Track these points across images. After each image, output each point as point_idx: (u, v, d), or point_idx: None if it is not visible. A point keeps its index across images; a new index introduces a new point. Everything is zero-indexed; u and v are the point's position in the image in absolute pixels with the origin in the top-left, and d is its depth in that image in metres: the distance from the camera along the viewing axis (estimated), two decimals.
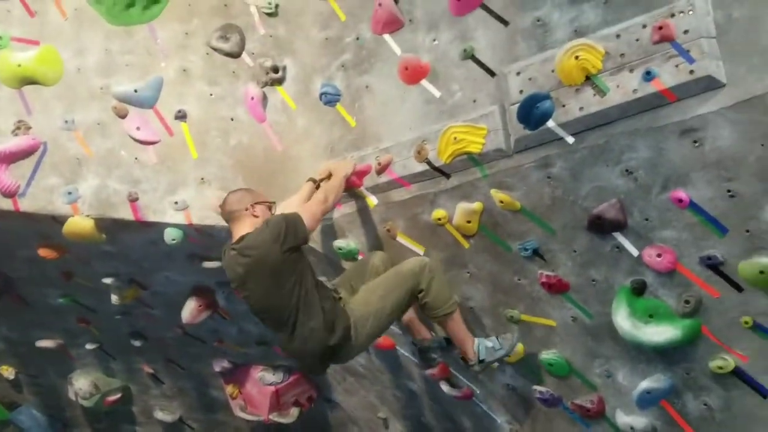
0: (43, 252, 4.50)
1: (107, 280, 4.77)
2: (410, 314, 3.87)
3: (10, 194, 4.07)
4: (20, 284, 5.07)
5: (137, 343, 5.62)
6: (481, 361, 3.52)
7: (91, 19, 4.14)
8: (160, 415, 6.42)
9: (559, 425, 3.80)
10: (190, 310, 4.91)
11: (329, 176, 3.72)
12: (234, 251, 3.24)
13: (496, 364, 3.87)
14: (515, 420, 4.06)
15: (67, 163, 4.13)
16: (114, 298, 4.90)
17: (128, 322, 5.43)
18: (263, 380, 5.83)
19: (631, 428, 3.43)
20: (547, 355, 3.63)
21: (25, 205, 4.10)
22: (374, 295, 3.42)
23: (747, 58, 2.71)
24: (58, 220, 4.13)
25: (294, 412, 6.02)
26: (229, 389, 6.02)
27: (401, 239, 3.84)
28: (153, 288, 4.97)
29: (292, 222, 3.20)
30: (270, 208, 3.44)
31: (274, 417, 5.92)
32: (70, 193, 4.08)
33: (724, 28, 2.77)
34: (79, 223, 4.10)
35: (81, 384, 6.00)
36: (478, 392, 4.17)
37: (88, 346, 5.72)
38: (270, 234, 3.14)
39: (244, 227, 3.31)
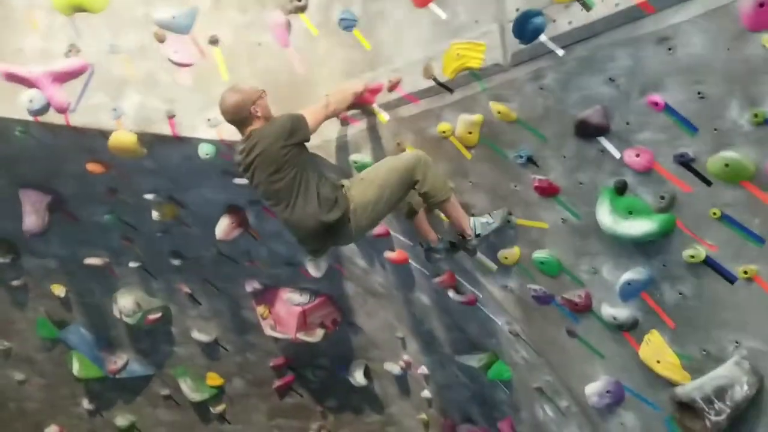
0: (90, 167, 5.00)
1: (148, 196, 5.25)
2: (420, 218, 4.27)
3: (62, 110, 4.55)
4: (71, 201, 5.60)
5: (176, 262, 6.13)
6: (477, 235, 3.94)
7: None
8: (197, 335, 6.95)
9: (551, 321, 4.17)
10: (223, 227, 5.38)
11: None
12: (243, 146, 3.79)
13: (494, 267, 4.28)
14: (513, 320, 4.45)
15: (112, 83, 4.60)
16: (155, 215, 5.39)
17: (168, 241, 5.93)
18: (291, 301, 6.29)
19: (614, 318, 3.78)
20: (539, 254, 3.99)
21: (75, 120, 4.60)
22: (372, 185, 3.83)
23: None
24: (104, 135, 4.61)
25: (319, 332, 6.47)
26: (260, 310, 6.52)
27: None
28: (190, 206, 5.45)
29: (296, 121, 3.73)
30: (262, 97, 3.86)
31: (301, 336, 6.39)
32: (114, 109, 4.56)
33: None
34: (123, 136, 4.58)
35: (124, 302, 6.55)
36: (480, 296, 4.56)
37: (131, 265, 6.25)
38: (276, 130, 3.68)
39: (250, 126, 3.79)
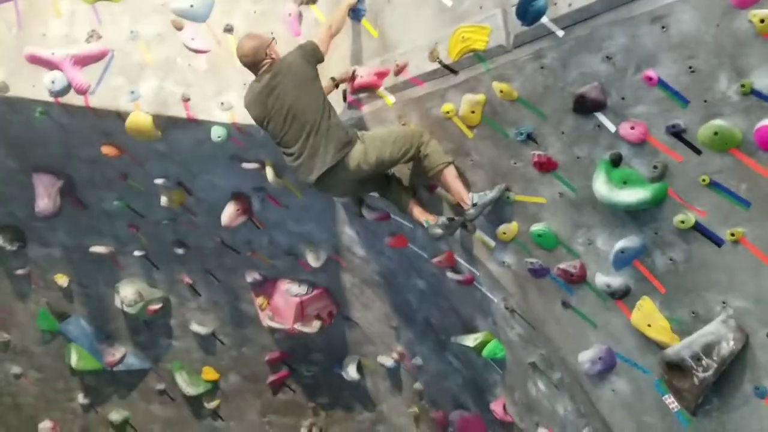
0: (105, 149, 5.18)
1: (159, 181, 5.43)
2: (413, 206, 4.52)
3: (82, 91, 4.75)
4: (81, 186, 5.76)
5: (179, 251, 6.28)
6: (474, 204, 4.17)
7: None
8: (195, 327, 7.07)
9: (546, 294, 4.36)
10: (228, 213, 5.55)
11: (349, 79, 4.52)
12: (267, 75, 4.14)
13: (492, 243, 4.48)
14: (510, 295, 4.64)
15: (131, 68, 4.81)
16: (163, 200, 5.56)
17: (173, 230, 6.09)
18: (290, 292, 6.45)
19: (608, 286, 3.98)
20: (536, 227, 4.20)
21: (94, 101, 4.80)
22: (382, 129, 4.38)
23: None
24: (122, 116, 4.81)
25: (316, 324, 6.63)
26: (259, 301, 6.66)
27: None
28: (197, 194, 5.63)
29: (311, 44, 4.23)
30: (274, 43, 4.30)
31: (298, 326, 6.54)
32: (132, 92, 4.77)
33: None
34: (140, 118, 4.78)
35: (126, 292, 6.67)
36: (478, 275, 4.76)
37: (136, 253, 6.39)
38: (299, 53, 4.16)
39: (264, 67, 4.22)
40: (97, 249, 6.35)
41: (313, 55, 4.16)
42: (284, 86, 4.10)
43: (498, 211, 4.35)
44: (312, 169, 4.17)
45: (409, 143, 4.25)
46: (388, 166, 4.35)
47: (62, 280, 6.81)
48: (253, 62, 4.18)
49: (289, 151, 4.22)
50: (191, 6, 4.77)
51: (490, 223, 4.43)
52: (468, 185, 4.35)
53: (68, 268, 6.76)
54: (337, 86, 4.62)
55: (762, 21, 3.07)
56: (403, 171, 4.64)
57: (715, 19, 3.24)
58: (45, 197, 5.61)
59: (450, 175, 4.26)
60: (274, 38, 4.29)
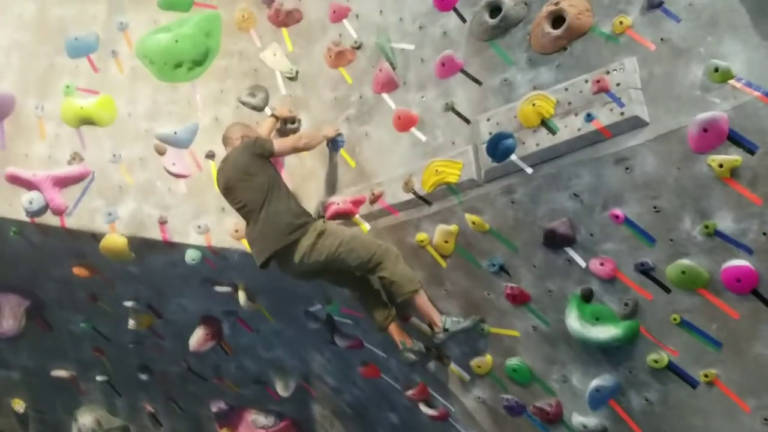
0: (77, 270, 5.12)
1: (128, 303, 5.33)
2: (393, 328, 4.42)
3: (59, 212, 4.77)
4: (49, 306, 5.63)
5: (143, 377, 6.06)
6: (446, 330, 4.09)
7: (144, 76, 5.04)
8: None
9: None
10: (197, 338, 5.42)
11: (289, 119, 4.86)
12: (222, 164, 4.42)
13: (467, 377, 4.37)
14: None
15: (111, 190, 4.87)
16: (131, 323, 5.44)
17: (139, 353, 5.91)
18: (256, 423, 6.19)
19: (584, 427, 3.85)
20: (511, 361, 4.12)
21: (71, 222, 4.81)
22: (349, 232, 4.35)
23: (665, 103, 3.43)
24: (96, 238, 4.79)
25: None
26: None
27: None
28: (166, 316, 5.51)
29: (260, 139, 4.39)
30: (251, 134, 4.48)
31: None
32: (110, 213, 4.79)
33: (647, 81, 3.51)
34: (115, 240, 4.77)
35: (85, 420, 6.38)
36: (452, 410, 4.59)
37: (99, 378, 6.15)
38: (243, 146, 4.34)
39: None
40: (59, 373, 6.12)
41: (260, 149, 4.30)
42: (231, 176, 4.29)
43: (472, 343, 4.29)
44: (257, 254, 4.22)
45: (367, 256, 4.19)
46: (340, 267, 4.27)
47: (18, 405, 6.50)
48: (224, 140, 4.49)
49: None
50: (175, 133, 4.91)
51: (465, 356, 4.35)
52: (441, 312, 4.30)
53: (26, 393, 6.47)
54: (277, 120, 4.81)
55: (720, 165, 3.18)
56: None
57: (676, 162, 3.35)
58: (10, 318, 5.49)
59: (420, 300, 4.22)
60: (258, 136, 4.47)
